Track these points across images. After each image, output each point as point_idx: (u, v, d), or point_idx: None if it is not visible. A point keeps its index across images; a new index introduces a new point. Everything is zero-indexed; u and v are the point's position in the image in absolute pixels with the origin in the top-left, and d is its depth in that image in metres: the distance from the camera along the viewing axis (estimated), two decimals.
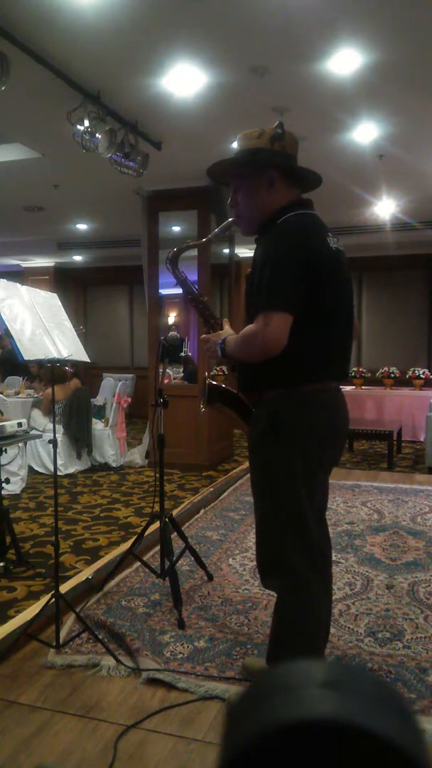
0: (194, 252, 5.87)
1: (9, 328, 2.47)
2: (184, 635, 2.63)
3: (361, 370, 8.63)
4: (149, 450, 6.12)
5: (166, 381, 6.58)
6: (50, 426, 5.48)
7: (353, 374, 8.48)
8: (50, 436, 2.87)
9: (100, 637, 2.54)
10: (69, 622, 2.70)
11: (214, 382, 2.18)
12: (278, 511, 1.90)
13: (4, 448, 3.75)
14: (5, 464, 4.44)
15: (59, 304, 2.89)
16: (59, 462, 5.70)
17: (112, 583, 3.15)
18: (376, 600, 3.00)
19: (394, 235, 7.95)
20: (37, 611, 2.62)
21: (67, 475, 5.90)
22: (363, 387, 8.56)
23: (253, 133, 1.93)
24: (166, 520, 3.05)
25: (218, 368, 7.34)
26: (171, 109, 4.21)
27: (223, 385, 2.19)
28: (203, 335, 2.10)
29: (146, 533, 3.24)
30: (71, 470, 6.03)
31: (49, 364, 2.69)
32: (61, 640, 2.51)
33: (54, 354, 2.57)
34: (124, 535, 4.08)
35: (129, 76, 3.75)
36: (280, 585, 1.98)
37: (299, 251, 1.79)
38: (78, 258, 10.25)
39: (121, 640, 2.55)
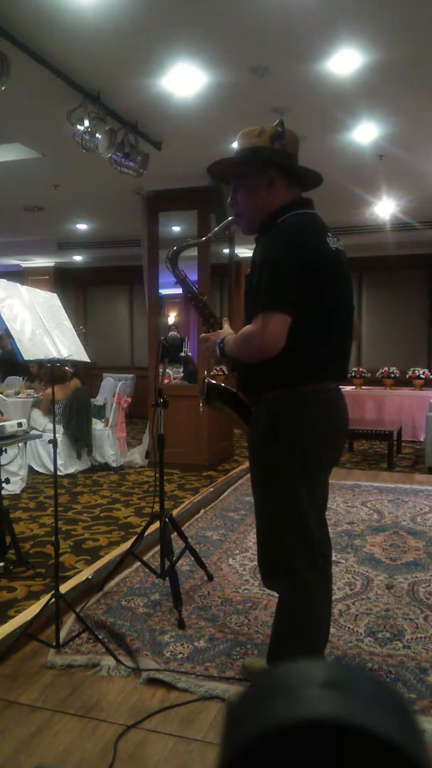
0: (194, 252, 5.87)
1: (9, 328, 2.46)
2: (184, 635, 2.63)
3: (361, 370, 8.63)
4: (149, 450, 6.12)
5: (166, 381, 6.58)
6: (50, 426, 5.48)
7: (353, 374, 8.48)
8: (50, 436, 2.87)
9: (100, 637, 2.54)
10: (69, 622, 2.70)
11: (213, 381, 2.18)
12: (278, 511, 1.90)
13: (4, 448, 3.75)
14: (5, 464, 4.44)
15: (59, 304, 2.89)
16: (59, 462, 5.70)
17: (112, 583, 3.15)
18: (376, 600, 3.00)
19: (394, 235, 7.95)
20: (37, 611, 2.62)
21: (67, 475, 5.90)
22: (363, 387, 8.56)
23: (254, 131, 1.93)
24: (166, 520, 3.05)
25: (218, 368, 7.34)
26: (171, 109, 4.21)
27: (223, 384, 2.18)
28: (202, 334, 2.10)
29: (146, 533, 3.23)
30: (71, 470, 6.03)
31: (49, 364, 2.69)
32: (61, 640, 2.51)
33: (54, 354, 2.57)
34: (124, 535, 4.08)
35: (129, 76, 3.75)
36: (280, 585, 1.98)
37: (298, 251, 1.78)
38: (78, 258, 10.25)
39: (121, 640, 2.55)
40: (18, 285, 2.71)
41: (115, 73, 3.71)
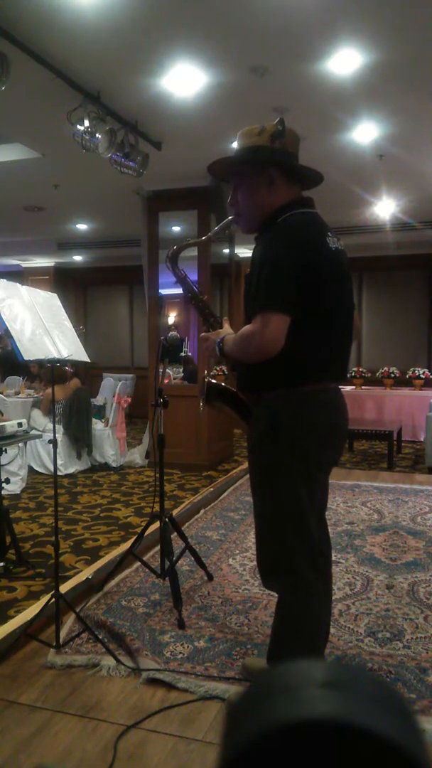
0: (194, 252, 5.87)
1: (9, 328, 2.46)
2: (184, 635, 2.63)
3: (361, 370, 8.63)
4: (149, 450, 6.12)
5: (166, 381, 6.58)
6: (50, 426, 5.48)
7: (353, 374, 8.48)
8: (50, 436, 2.87)
9: (100, 637, 2.54)
10: (69, 622, 2.70)
11: (213, 381, 2.17)
12: (278, 511, 1.90)
13: (4, 448, 3.75)
14: (5, 464, 4.44)
15: (59, 304, 2.89)
16: (59, 462, 5.70)
17: (112, 583, 3.15)
18: (376, 600, 3.00)
19: (394, 235, 7.95)
20: (37, 611, 2.62)
21: (67, 475, 5.90)
22: (363, 387, 8.56)
23: (254, 130, 1.92)
24: (166, 520, 3.05)
25: (218, 368, 7.35)
26: (171, 109, 4.21)
27: (223, 384, 2.18)
28: (202, 333, 2.10)
29: (146, 533, 3.23)
30: (71, 470, 6.03)
31: (49, 364, 2.69)
32: (61, 640, 2.51)
33: (54, 354, 2.57)
34: (124, 535, 4.08)
35: (129, 76, 3.75)
36: (280, 585, 1.98)
37: (298, 251, 1.78)
38: (78, 258, 10.25)
39: (121, 640, 2.55)
40: (18, 285, 2.71)
41: (115, 73, 3.71)
